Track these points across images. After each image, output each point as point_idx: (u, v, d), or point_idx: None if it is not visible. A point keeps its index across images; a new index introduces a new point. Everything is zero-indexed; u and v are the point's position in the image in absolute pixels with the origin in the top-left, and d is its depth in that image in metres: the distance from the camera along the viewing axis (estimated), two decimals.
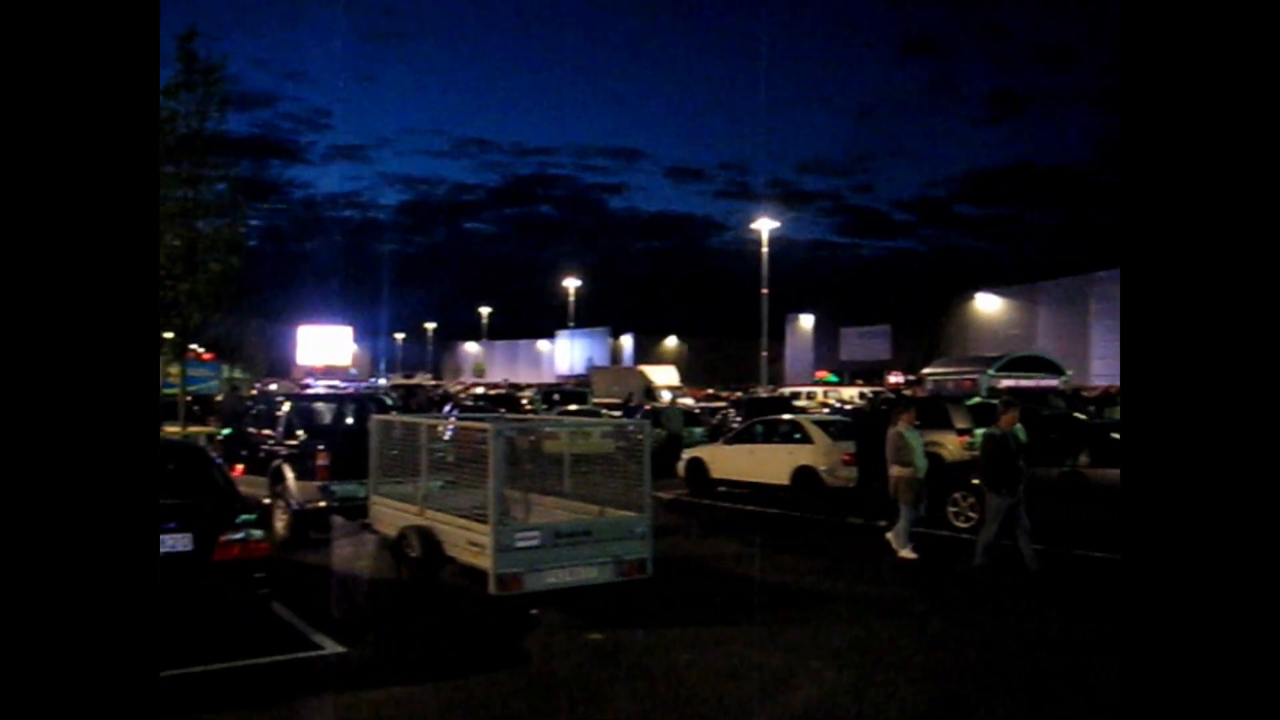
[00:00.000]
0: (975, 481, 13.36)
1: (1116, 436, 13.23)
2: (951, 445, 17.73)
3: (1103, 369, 63.89)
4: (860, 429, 16.72)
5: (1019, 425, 13.31)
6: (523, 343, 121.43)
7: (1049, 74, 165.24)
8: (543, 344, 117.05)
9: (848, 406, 31.42)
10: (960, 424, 18.04)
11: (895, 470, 11.99)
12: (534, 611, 8.57)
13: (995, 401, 20.95)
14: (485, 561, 8.31)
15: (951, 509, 13.56)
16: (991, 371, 31.11)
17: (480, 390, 54.56)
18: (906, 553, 11.66)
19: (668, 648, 7.67)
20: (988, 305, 77.51)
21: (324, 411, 15.36)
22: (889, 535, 12.10)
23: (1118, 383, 45.39)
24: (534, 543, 8.45)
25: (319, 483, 12.38)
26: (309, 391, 33.67)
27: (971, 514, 13.20)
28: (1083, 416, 21.76)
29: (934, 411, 19.15)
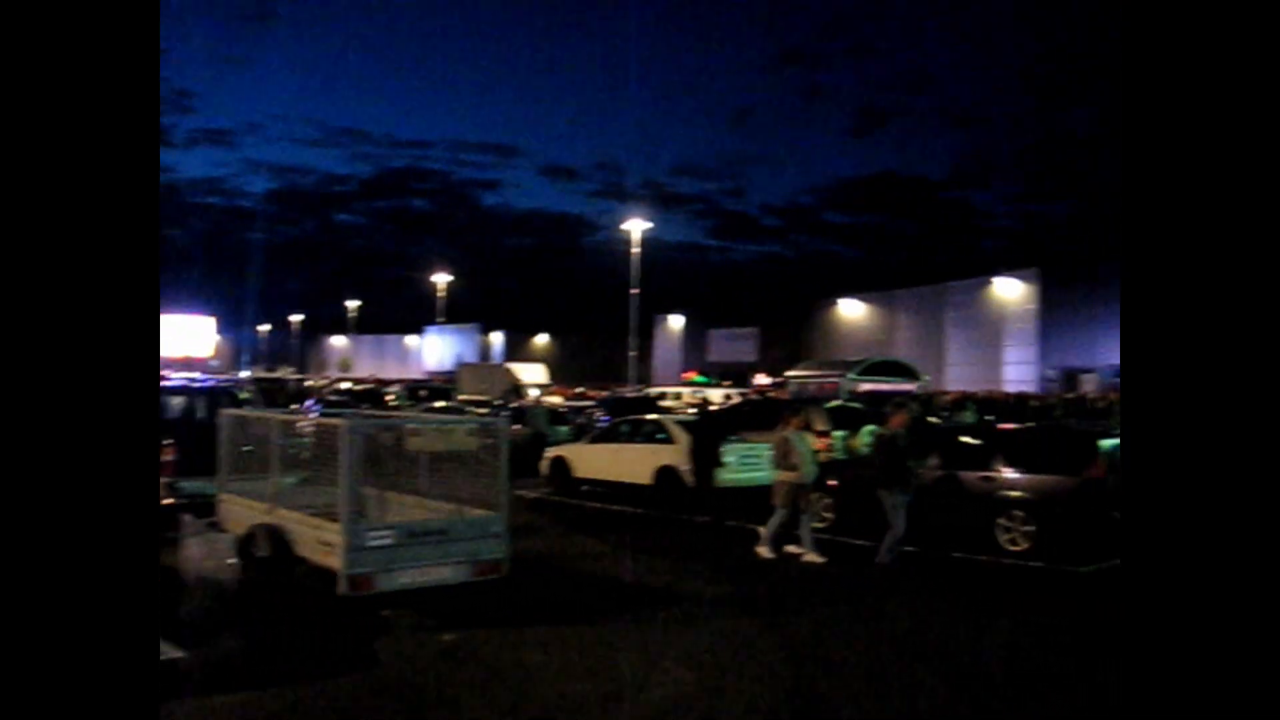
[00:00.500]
0: (832, 484, 13.70)
1: (968, 440, 13.70)
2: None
3: (958, 374, 66.19)
4: (692, 431, 16.75)
5: (872, 427, 13.67)
6: (391, 338, 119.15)
7: (909, 93, 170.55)
8: (411, 339, 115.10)
9: (713, 407, 31.73)
10: (820, 426, 18.40)
11: (780, 474, 12.07)
12: (386, 613, 8.40)
13: (856, 405, 21.49)
14: (336, 561, 8.11)
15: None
16: (852, 375, 31.90)
17: (346, 385, 53.35)
18: (765, 551, 11.80)
19: (521, 648, 7.61)
20: (851, 310, 79.48)
21: (172, 405, 14.77)
22: (761, 529, 12.19)
23: (972, 388, 47.07)
24: (387, 542, 8.29)
25: (165, 479, 11.91)
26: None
27: (827, 515, 13.49)
28: (936, 420, 22.45)
29: (794, 414, 19.53)
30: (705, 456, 15.43)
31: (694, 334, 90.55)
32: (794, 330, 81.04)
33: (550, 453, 19.39)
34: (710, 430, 16.21)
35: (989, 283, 67.71)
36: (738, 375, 68.91)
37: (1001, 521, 11.79)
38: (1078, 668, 7.36)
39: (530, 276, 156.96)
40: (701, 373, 73.04)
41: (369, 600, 8.24)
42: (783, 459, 12.11)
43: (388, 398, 38.21)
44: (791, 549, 11.85)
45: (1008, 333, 66.16)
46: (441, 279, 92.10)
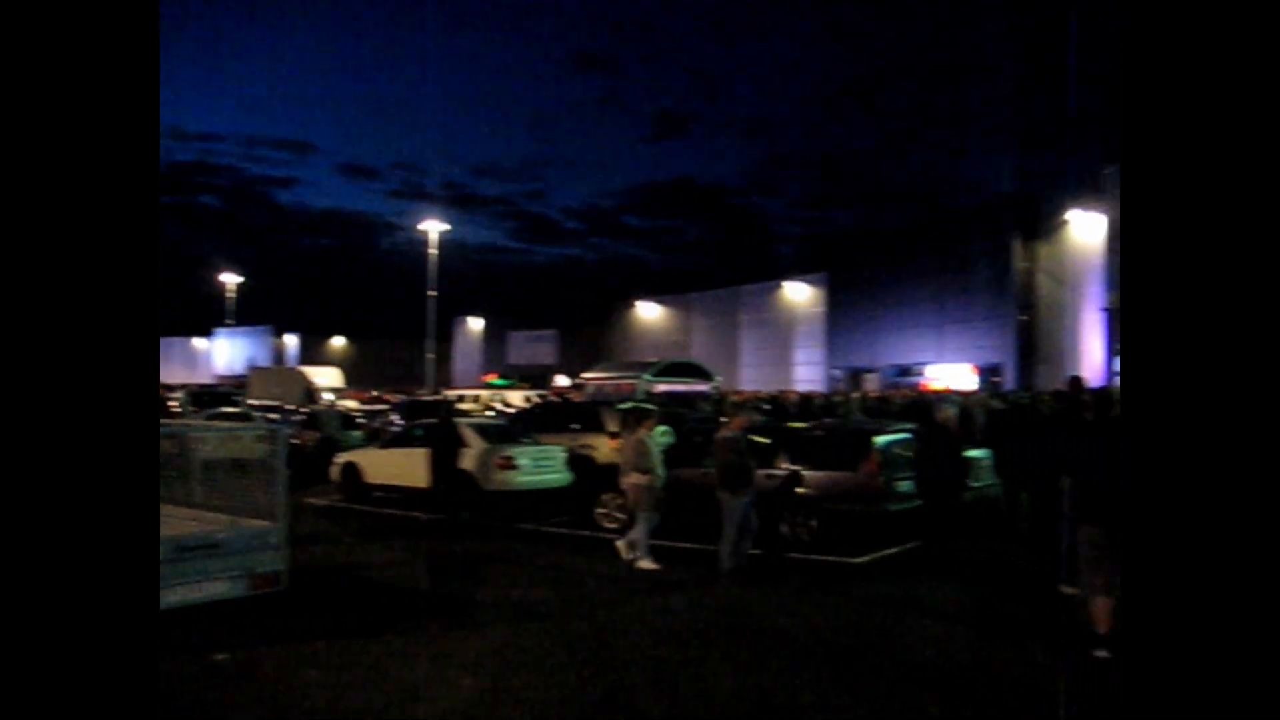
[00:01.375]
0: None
1: (757, 440, 14.10)
2: (604, 448, 18.23)
3: (751, 375, 68.21)
4: (431, 437, 16.50)
5: (665, 428, 13.86)
6: (178, 340, 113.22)
7: (706, 100, 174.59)
8: (200, 342, 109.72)
9: (512, 410, 31.57)
10: (612, 427, 18.57)
11: (635, 478, 11.68)
12: None
13: (650, 406, 21.81)
14: None
15: (600, 510, 13.95)
16: (648, 376, 32.37)
17: None
18: (647, 563, 11.34)
19: (298, 665, 7.34)
20: (648, 313, 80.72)
21: None
22: (619, 544, 11.85)
23: (764, 388, 48.54)
24: None
25: None
26: None
27: (619, 514, 13.62)
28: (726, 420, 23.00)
29: (587, 415, 19.66)
30: (446, 458, 15.38)
31: (494, 336, 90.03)
32: (593, 332, 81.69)
33: (341, 458, 18.85)
34: (450, 432, 16.12)
35: (780, 286, 70.10)
36: (538, 377, 68.88)
37: (787, 517, 12.19)
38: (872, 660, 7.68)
39: (327, 277, 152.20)
40: (501, 375, 72.62)
41: None
42: (637, 462, 11.73)
43: (171, 404, 36.28)
44: (628, 554, 11.64)
45: (798, 335, 68.69)
46: (231, 279, 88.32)
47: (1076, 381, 17.00)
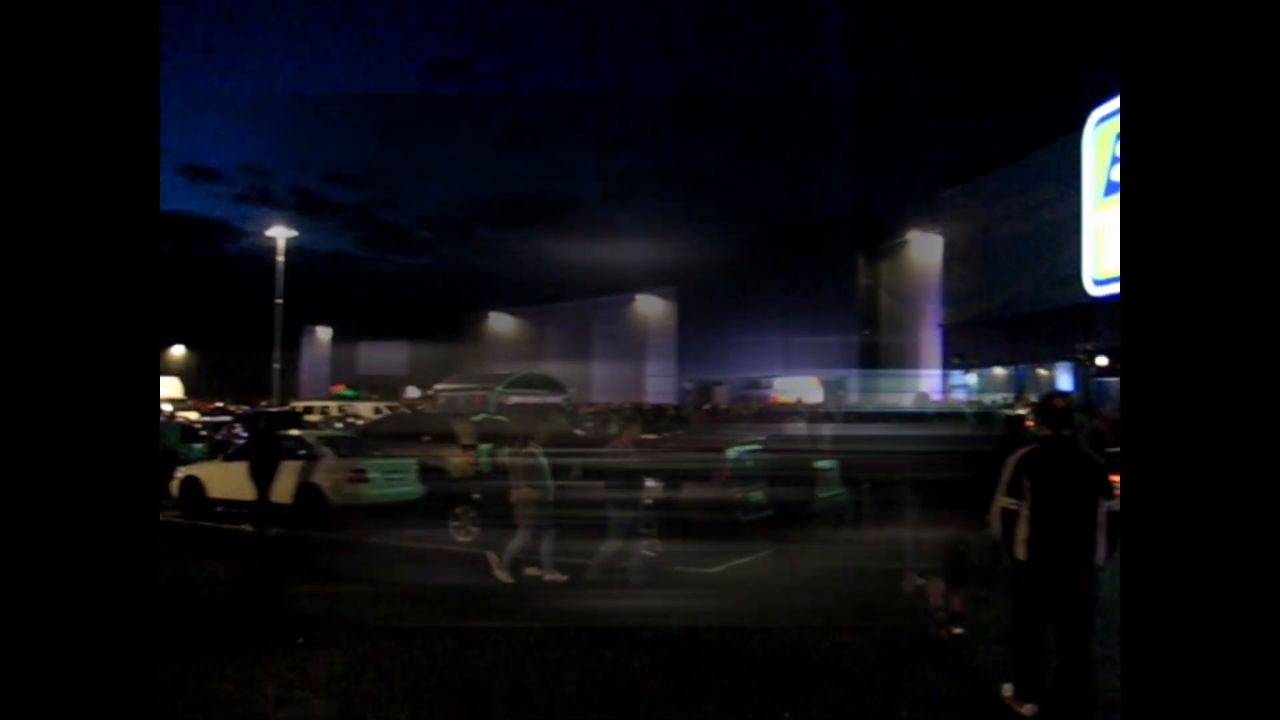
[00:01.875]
0: (477, 497, 13.78)
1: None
2: (457, 461, 18.07)
3: (604, 387, 68.55)
4: (251, 449, 16.29)
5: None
6: None
7: (561, 112, 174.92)
8: None
9: (361, 422, 30.93)
10: (466, 440, 18.44)
11: (526, 492, 11.31)
12: None
13: (503, 419, 21.72)
14: None
15: (454, 524, 13.84)
16: (500, 389, 32.25)
17: None
18: (504, 575, 11.16)
19: None
20: (501, 324, 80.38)
21: None
22: (490, 556, 11.53)
23: (616, 400, 48.87)
24: None
25: None
26: None
27: (473, 528, 13.54)
28: (581, 432, 23.08)
29: (440, 427, 19.45)
30: (264, 472, 15.16)
31: (343, 346, 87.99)
32: (445, 343, 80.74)
33: (182, 472, 18.16)
34: (271, 444, 15.85)
35: (633, 299, 70.77)
36: (388, 388, 67.66)
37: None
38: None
39: (167, 283, 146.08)
40: (350, 386, 70.99)
41: None
42: (527, 476, 11.35)
43: None
44: (532, 571, 11.37)
45: (650, 347, 69.42)
46: None
47: (921, 396, 17.72)
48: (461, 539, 13.61)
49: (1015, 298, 36.05)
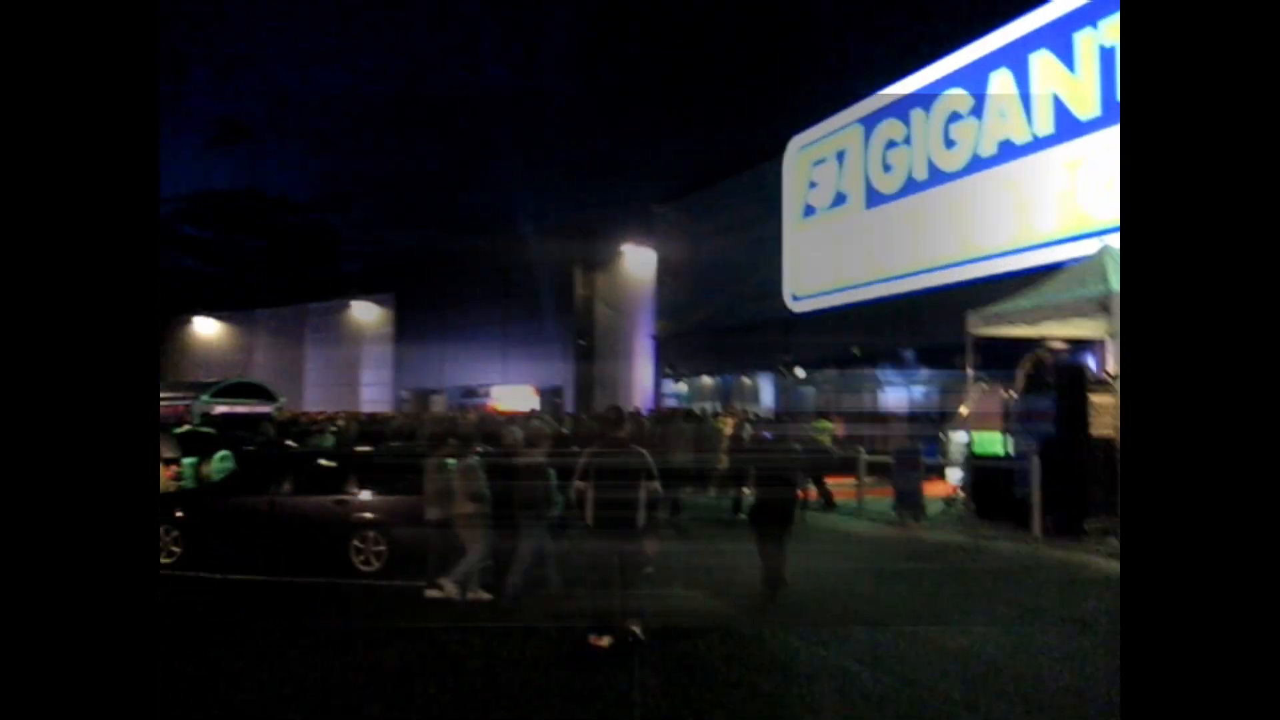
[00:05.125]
0: (180, 515, 13.13)
1: (324, 463, 13.93)
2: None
3: (317, 395, 66.47)
4: None
5: (225, 453, 13.30)
6: None
7: (274, 109, 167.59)
8: None
9: None
10: (167, 454, 17.53)
11: (470, 506, 10.62)
12: None
13: (208, 430, 20.75)
14: None
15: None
16: (206, 398, 30.70)
17: None
18: (450, 589, 10.52)
19: None
20: (207, 329, 76.23)
21: None
22: (442, 580, 10.68)
23: (330, 409, 47.50)
24: None
25: None
26: None
27: (174, 549, 12.92)
28: (293, 444, 22.37)
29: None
30: None
31: None
32: None
33: None
34: None
35: (348, 305, 69.00)
36: None
37: (355, 543, 12.18)
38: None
39: None
40: None
41: None
42: (470, 488, 10.70)
43: None
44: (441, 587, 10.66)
45: (365, 355, 67.93)
46: None
47: (616, 409, 18.41)
48: (163, 560, 12.92)
49: (721, 311, 37.95)
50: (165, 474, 17.23)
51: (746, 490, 13.54)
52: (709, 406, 35.15)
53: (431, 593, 10.65)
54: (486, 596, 10.55)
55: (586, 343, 53.57)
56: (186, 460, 17.63)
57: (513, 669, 7.89)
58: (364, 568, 12.08)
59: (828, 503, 18.77)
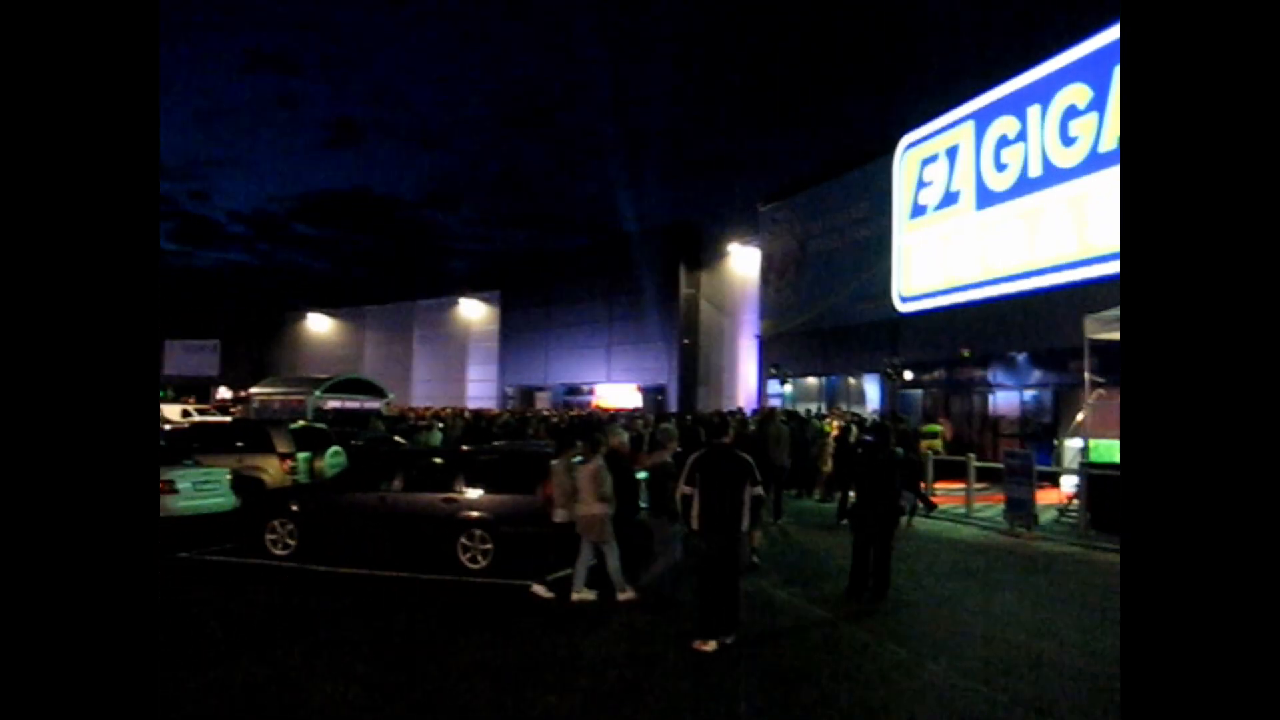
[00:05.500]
0: (295, 508, 13.48)
1: (437, 461, 14.11)
2: (274, 470, 17.65)
3: (424, 391, 67.68)
4: None
5: (337, 449, 13.59)
6: None
7: (385, 110, 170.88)
8: None
9: (169, 427, 29.60)
10: (283, 448, 18.02)
11: (599, 508, 10.70)
12: None
13: (321, 425, 21.26)
14: None
15: (270, 537, 13.47)
16: (319, 393, 31.48)
17: None
18: (587, 593, 10.68)
19: None
20: (319, 325, 78.26)
21: None
22: (534, 585, 10.94)
23: (438, 404, 48.36)
24: None
25: None
26: None
27: (290, 541, 13.26)
28: (401, 440, 22.79)
29: (256, 435, 18.89)
30: None
31: None
32: (259, 343, 78.13)
33: None
34: None
35: (455, 303, 70.14)
36: (198, 390, 65.00)
37: (463, 541, 12.34)
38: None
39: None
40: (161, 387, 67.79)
41: None
42: (596, 490, 10.70)
43: None
44: (538, 590, 10.89)
45: (471, 351, 68.94)
46: None
47: (719, 413, 18.31)
48: (277, 552, 13.28)
49: (827, 311, 37.52)
50: (281, 468, 17.74)
51: (851, 494, 13.34)
52: (814, 408, 34.77)
53: (537, 589, 10.76)
54: (591, 596, 10.61)
55: (690, 342, 53.51)
56: (301, 455, 18.09)
57: (618, 668, 7.88)
58: (471, 565, 12.23)
59: (927, 507, 18.41)
